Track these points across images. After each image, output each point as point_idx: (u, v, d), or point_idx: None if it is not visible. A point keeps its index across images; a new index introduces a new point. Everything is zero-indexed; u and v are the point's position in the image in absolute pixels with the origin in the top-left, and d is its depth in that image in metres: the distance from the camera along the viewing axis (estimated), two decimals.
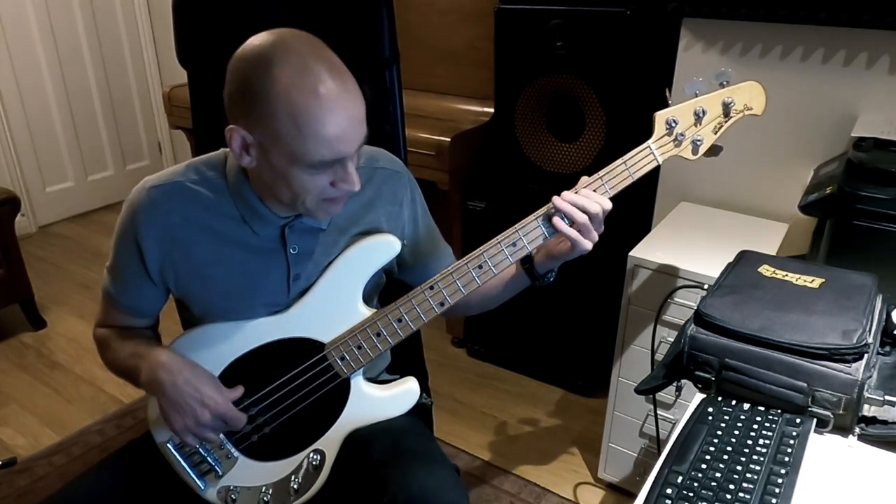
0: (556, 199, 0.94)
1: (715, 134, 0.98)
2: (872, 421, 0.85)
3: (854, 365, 0.84)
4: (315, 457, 1.03)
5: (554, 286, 1.11)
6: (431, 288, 0.98)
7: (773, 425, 0.83)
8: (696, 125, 0.97)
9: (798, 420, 0.83)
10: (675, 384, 1.00)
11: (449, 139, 2.15)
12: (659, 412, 1.60)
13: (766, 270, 1.06)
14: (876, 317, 0.94)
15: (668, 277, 1.50)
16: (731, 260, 1.12)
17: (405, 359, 1.27)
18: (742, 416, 0.85)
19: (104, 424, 2.08)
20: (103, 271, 1.05)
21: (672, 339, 1.51)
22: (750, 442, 0.80)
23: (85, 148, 3.68)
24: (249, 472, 1.04)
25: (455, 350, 2.51)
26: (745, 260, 1.11)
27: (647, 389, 1.01)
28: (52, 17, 3.37)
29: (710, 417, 0.85)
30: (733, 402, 0.88)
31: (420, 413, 1.17)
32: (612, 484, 1.83)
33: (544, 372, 2.29)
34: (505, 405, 2.20)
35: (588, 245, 0.95)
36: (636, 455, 1.73)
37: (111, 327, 1.08)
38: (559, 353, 2.22)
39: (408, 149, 1.35)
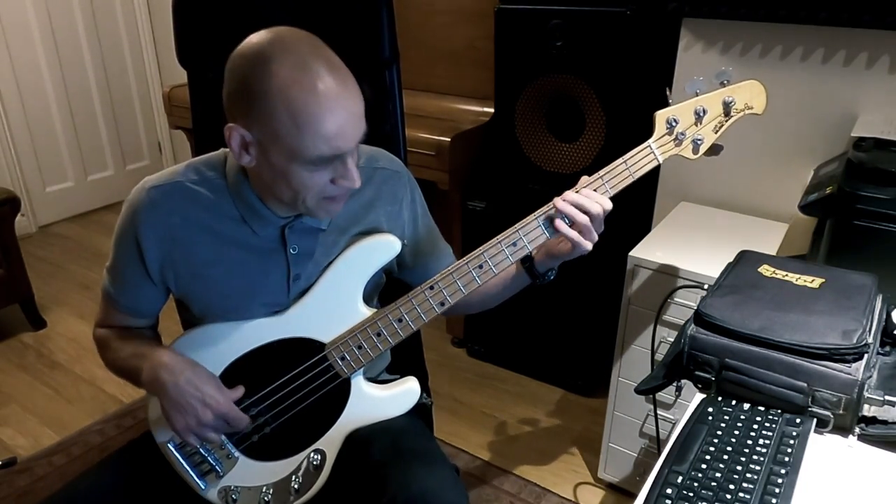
0: (557, 200, 0.94)
1: (716, 133, 0.98)
2: (872, 421, 0.85)
3: (854, 365, 0.84)
4: (315, 457, 1.03)
5: (554, 286, 1.11)
6: (432, 288, 0.98)
7: (773, 425, 0.83)
8: (696, 124, 0.97)
9: (798, 420, 0.83)
10: (675, 384, 0.99)
11: (449, 139, 2.15)
12: (659, 412, 1.60)
13: (766, 270, 1.06)
14: (876, 317, 0.94)
15: (668, 277, 1.50)
16: (731, 260, 1.12)
17: (405, 359, 1.27)
18: (742, 416, 0.85)
19: (104, 424, 2.08)
20: (103, 271, 1.05)
21: (672, 339, 1.51)
22: (750, 442, 0.80)
23: (85, 148, 3.68)
24: (250, 472, 1.04)
25: (455, 350, 2.51)
26: (745, 260, 1.11)
27: (647, 389, 1.01)
28: (52, 18, 3.37)
29: (710, 417, 0.85)
30: (733, 402, 0.88)
31: (420, 413, 1.17)
32: (612, 484, 1.83)
33: (544, 372, 2.29)
34: (505, 405, 2.20)
35: (588, 245, 0.95)
36: (636, 455, 1.73)
37: (111, 327, 1.08)
38: (559, 353, 2.21)
39: (408, 149, 1.35)
